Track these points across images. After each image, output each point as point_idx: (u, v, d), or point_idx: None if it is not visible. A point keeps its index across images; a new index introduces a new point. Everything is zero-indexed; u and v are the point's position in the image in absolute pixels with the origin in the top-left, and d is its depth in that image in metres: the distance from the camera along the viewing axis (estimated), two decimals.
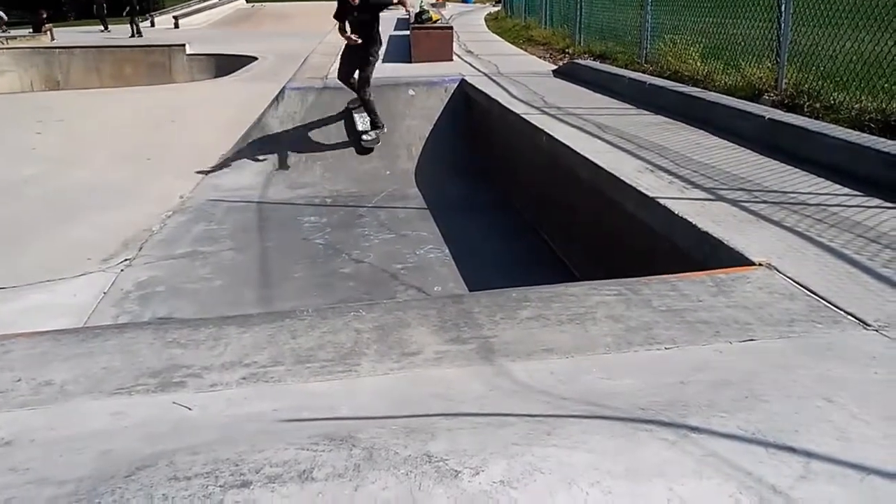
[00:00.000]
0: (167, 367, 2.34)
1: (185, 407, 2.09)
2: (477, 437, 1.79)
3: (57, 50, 21.49)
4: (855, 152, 4.33)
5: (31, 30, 26.82)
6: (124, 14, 27.35)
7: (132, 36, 24.45)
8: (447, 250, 6.11)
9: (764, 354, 2.31)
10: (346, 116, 8.87)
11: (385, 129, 8.60)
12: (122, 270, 5.53)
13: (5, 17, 28.15)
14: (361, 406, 2.06)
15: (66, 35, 25.56)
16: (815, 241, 3.24)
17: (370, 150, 8.62)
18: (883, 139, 4.54)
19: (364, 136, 8.59)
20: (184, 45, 19.63)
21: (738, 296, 2.76)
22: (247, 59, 15.14)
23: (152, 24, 31.18)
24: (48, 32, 25.02)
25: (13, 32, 26.85)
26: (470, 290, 5.14)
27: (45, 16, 27.31)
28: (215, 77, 15.49)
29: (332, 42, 14.27)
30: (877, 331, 2.42)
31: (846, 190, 3.95)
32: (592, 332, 2.51)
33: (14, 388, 2.23)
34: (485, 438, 1.78)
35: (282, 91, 9.20)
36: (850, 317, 2.53)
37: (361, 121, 8.69)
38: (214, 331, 2.61)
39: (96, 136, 9.18)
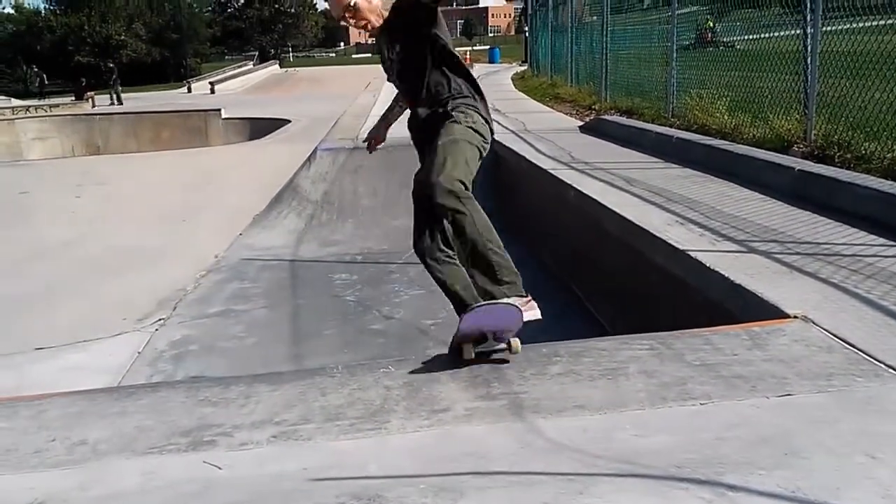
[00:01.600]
0: (198, 425, 2.35)
1: (216, 466, 2.09)
2: (507, 496, 1.76)
3: (97, 116, 22.36)
4: (889, 202, 4.27)
5: (73, 97, 27.96)
6: (110, 83, 28.45)
7: (111, 104, 25.37)
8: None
9: (802, 409, 2.24)
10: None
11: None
12: (156, 330, 5.60)
13: (44, 77, 29.46)
14: (390, 464, 2.04)
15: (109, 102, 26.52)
16: (852, 292, 3.18)
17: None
18: None
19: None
20: (219, 110, 20.28)
21: (773, 349, 2.70)
22: (281, 122, 15.57)
23: (189, 90, 32.30)
24: (90, 100, 26.04)
25: (56, 100, 28.00)
26: None
27: (84, 83, 28.50)
28: (250, 140, 15.90)
29: (363, 104, 14.64)
30: None
31: (881, 240, 3.89)
32: (625, 388, 2.47)
33: (49, 448, 2.25)
34: (515, 498, 1.75)
35: (313, 152, 9.41)
36: (890, 370, 2.46)
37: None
38: (245, 389, 2.63)
39: (134, 199, 9.44)
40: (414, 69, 3.04)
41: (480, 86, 3.13)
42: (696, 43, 10.04)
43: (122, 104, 25.84)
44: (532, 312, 2.94)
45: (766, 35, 7.86)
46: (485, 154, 3.01)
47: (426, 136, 3.01)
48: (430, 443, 2.17)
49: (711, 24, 9.84)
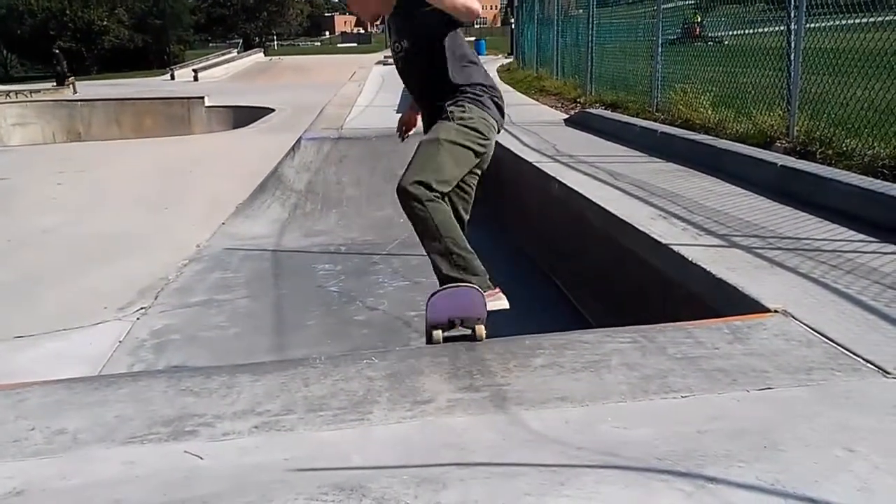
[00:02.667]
0: (180, 415, 2.34)
1: (197, 456, 2.08)
2: (489, 487, 1.77)
3: (79, 103, 22.06)
4: (869, 198, 4.32)
5: (54, 83, 27.60)
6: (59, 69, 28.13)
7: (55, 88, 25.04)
8: None
9: (782, 403, 2.27)
10: None
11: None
12: (137, 319, 5.56)
13: (65, 70, 29.04)
14: (373, 455, 2.04)
15: (91, 88, 26.20)
16: (832, 287, 3.22)
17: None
18: None
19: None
20: (203, 98, 20.10)
21: (754, 343, 2.73)
22: (264, 111, 15.46)
23: (172, 77, 31.97)
24: (71, 86, 25.71)
25: (37, 86, 27.62)
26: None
27: (66, 68, 28.13)
28: (233, 128, 15.78)
29: (347, 94, 14.57)
30: None
31: (861, 236, 3.93)
32: (607, 380, 2.49)
33: (28, 437, 2.23)
34: (497, 489, 1.75)
35: (298, 142, 9.36)
36: (869, 364, 2.49)
37: None
38: (227, 379, 2.61)
39: (115, 187, 9.34)
40: (419, 68, 3.07)
41: (489, 78, 3.13)
42: (684, 37, 10.03)
43: (67, 87, 25.46)
44: (498, 302, 3.02)
45: (753, 31, 7.91)
46: (485, 150, 3.06)
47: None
48: (412, 434, 2.18)
49: (699, 19, 9.85)
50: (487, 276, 3.08)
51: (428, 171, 2.87)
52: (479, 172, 3.20)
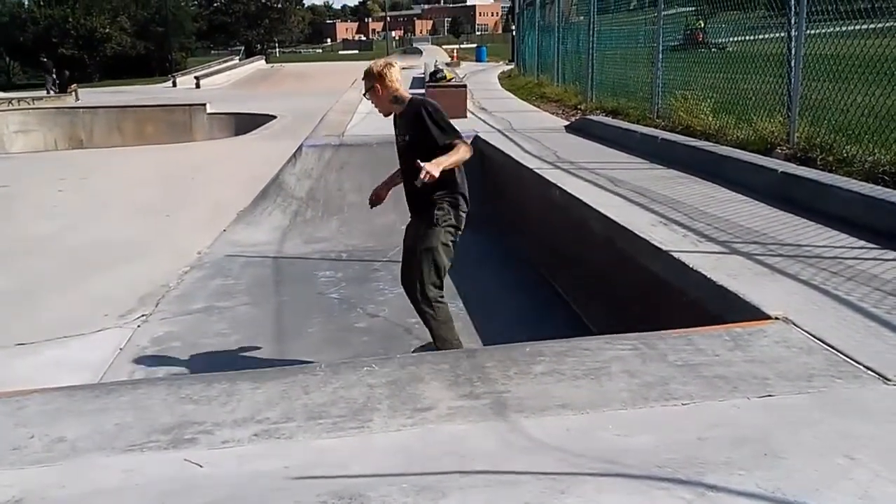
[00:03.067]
0: (179, 423, 2.34)
1: (197, 464, 2.07)
2: (489, 495, 1.76)
3: (81, 110, 22.09)
4: (870, 205, 4.31)
5: (46, 92, 27.68)
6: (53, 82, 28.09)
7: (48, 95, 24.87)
8: (461, 303, 6.09)
9: (783, 410, 2.26)
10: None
11: None
12: (138, 326, 5.56)
13: (55, 78, 29.05)
14: (373, 463, 2.04)
15: (93, 96, 26.27)
16: (832, 294, 3.21)
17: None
18: None
19: None
20: (204, 105, 20.12)
21: (755, 350, 2.73)
22: (266, 118, 15.48)
23: (174, 85, 32.04)
24: (73, 93, 25.78)
25: (39, 93, 27.70)
26: (484, 344, 5.11)
27: (68, 76, 28.20)
28: (235, 135, 15.81)
29: (349, 101, 14.59)
30: None
31: (862, 243, 3.93)
32: (608, 388, 2.48)
33: (27, 445, 2.23)
34: (497, 497, 1.75)
35: (299, 149, 9.36)
36: (869, 371, 2.49)
37: None
38: (227, 386, 2.61)
39: (117, 193, 9.35)
40: (411, 160, 3.81)
41: (462, 176, 4.11)
42: (686, 43, 10.01)
43: (69, 94, 25.47)
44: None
45: (756, 37, 7.91)
46: (459, 234, 4.15)
47: (414, 212, 4.22)
48: (412, 442, 2.17)
49: (702, 24, 9.81)
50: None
51: (433, 275, 4.06)
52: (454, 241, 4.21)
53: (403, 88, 4.14)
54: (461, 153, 3.82)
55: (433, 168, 3.60)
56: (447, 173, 3.78)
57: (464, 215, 4.10)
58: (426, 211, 4.01)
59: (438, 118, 3.88)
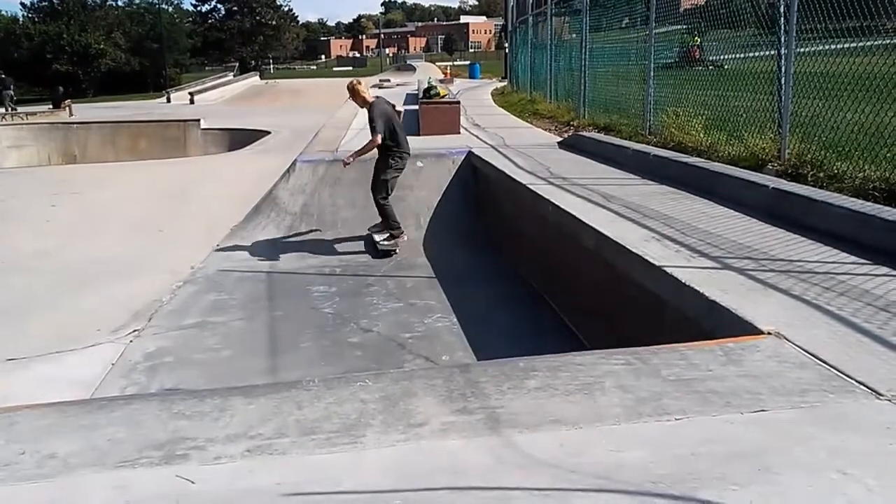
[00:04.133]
0: (172, 439, 2.32)
1: (189, 480, 2.06)
2: None
3: (75, 125, 22.08)
4: (860, 221, 4.34)
5: (50, 106, 27.66)
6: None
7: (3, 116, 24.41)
8: (455, 319, 6.10)
9: (776, 425, 2.27)
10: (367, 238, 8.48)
11: (404, 237, 8.18)
12: (130, 341, 5.54)
13: (13, 94, 28.88)
14: (366, 479, 2.03)
15: (87, 111, 26.26)
16: (824, 309, 3.23)
17: (388, 255, 8.07)
18: (888, 207, 4.57)
19: (380, 242, 8.17)
20: (198, 120, 20.14)
21: (747, 365, 2.73)
22: (259, 133, 15.50)
23: (168, 100, 32.09)
24: (67, 108, 25.77)
25: (33, 108, 27.66)
26: (478, 359, 5.11)
27: (62, 91, 28.16)
28: (229, 151, 15.81)
29: (343, 117, 14.63)
30: (889, 401, 2.39)
31: (853, 258, 3.96)
32: (601, 403, 2.48)
33: (18, 461, 2.21)
34: None
35: (293, 164, 9.38)
36: (862, 386, 2.49)
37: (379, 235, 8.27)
38: (220, 402, 2.60)
39: (110, 209, 9.34)
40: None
41: (402, 136, 7.99)
42: (681, 61, 10.00)
43: (63, 110, 25.37)
44: (389, 242, 8.17)
45: (746, 55, 7.98)
46: (401, 172, 8.12)
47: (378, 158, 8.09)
48: (406, 457, 2.17)
49: (699, 41, 9.67)
50: (401, 230, 8.17)
51: (385, 190, 8.04)
52: (398, 175, 8.10)
53: (369, 95, 8.04)
54: (367, 144, 7.83)
55: (350, 158, 7.98)
56: (386, 142, 7.77)
57: (402, 159, 7.98)
58: (383, 160, 7.95)
59: (371, 117, 7.71)
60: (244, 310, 6.43)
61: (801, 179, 5.82)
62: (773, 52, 6.64)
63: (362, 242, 8.47)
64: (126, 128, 21.46)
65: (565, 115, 13.54)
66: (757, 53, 7.58)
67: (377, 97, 8.16)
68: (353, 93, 7.89)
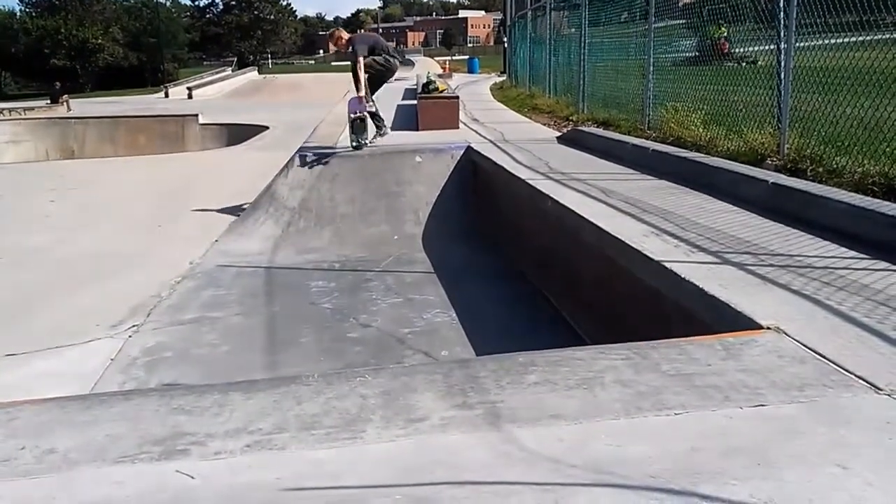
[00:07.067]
0: (171, 434, 2.32)
1: (188, 476, 2.06)
2: None
3: (73, 120, 22.05)
4: (859, 216, 4.34)
5: (48, 101, 27.60)
6: None
7: None
8: (454, 314, 6.10)
9: (775, 420, 2.27)
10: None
11: (386, 131, 9.62)
12: (129, 337, 5.54)
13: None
14: (366, 474, 2.03)
15: (85, 106, 26.21)
16: (824, 304, 3.23)
17: (360, 148, 9.24)
18: (887, 202, 4.56)
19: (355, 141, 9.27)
20: (196, 115, 20.13)
21: (747, 360, 2.73)
22: (258, 129, 15.49)
23: (166, 95, 32.03)
24: (65, 104, 25.72)
25: (31, 103, 27.60)
26: (477, 355, 5.11)
27: (60, 86, 28.10)
28: (227, 146, 15.79)
29: (341, 112, 14.61)
30: (889, 395, 2.39)
31: (852, 253, 3.95)
32: (601, 398, 2.48)
33: (18, 457, 2.21)
34: None
35: (291, 159, 9.37)
36: (861, 381, 2.50)
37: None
38: (220, 397, 2.60)
39: (108, 204, 9.33)
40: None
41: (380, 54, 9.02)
42: (703, 56, 8.71)
43: (61, 105, 25.27)
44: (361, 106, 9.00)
45: (745, 49, 7.92)
46: (382, 63, 9.02)
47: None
48: (406, 452, 2.17)
49: (725, 32, 8.24)
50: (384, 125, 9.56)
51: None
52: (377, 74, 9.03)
53: (347, 37, 9.16)
54: (354, 70, 8.74)
55: (362, 94, 8.76)
56: (369, 69, 8.76)
57: (387, 61, 8.99)
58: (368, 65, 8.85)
59: (352, 44, 8.81)
60: (243, 305, 6.42)
61: (801, 174, 5.81)
62: (770, 48, 6.59)
63: (361, 238, 8.46)
64: (124, 123, 21.45)
65: (564, 109, 13.52)
66: (754, 49, 7.51)
67: (359, 32, 9.55)
68: (336, 39, 9.13)
